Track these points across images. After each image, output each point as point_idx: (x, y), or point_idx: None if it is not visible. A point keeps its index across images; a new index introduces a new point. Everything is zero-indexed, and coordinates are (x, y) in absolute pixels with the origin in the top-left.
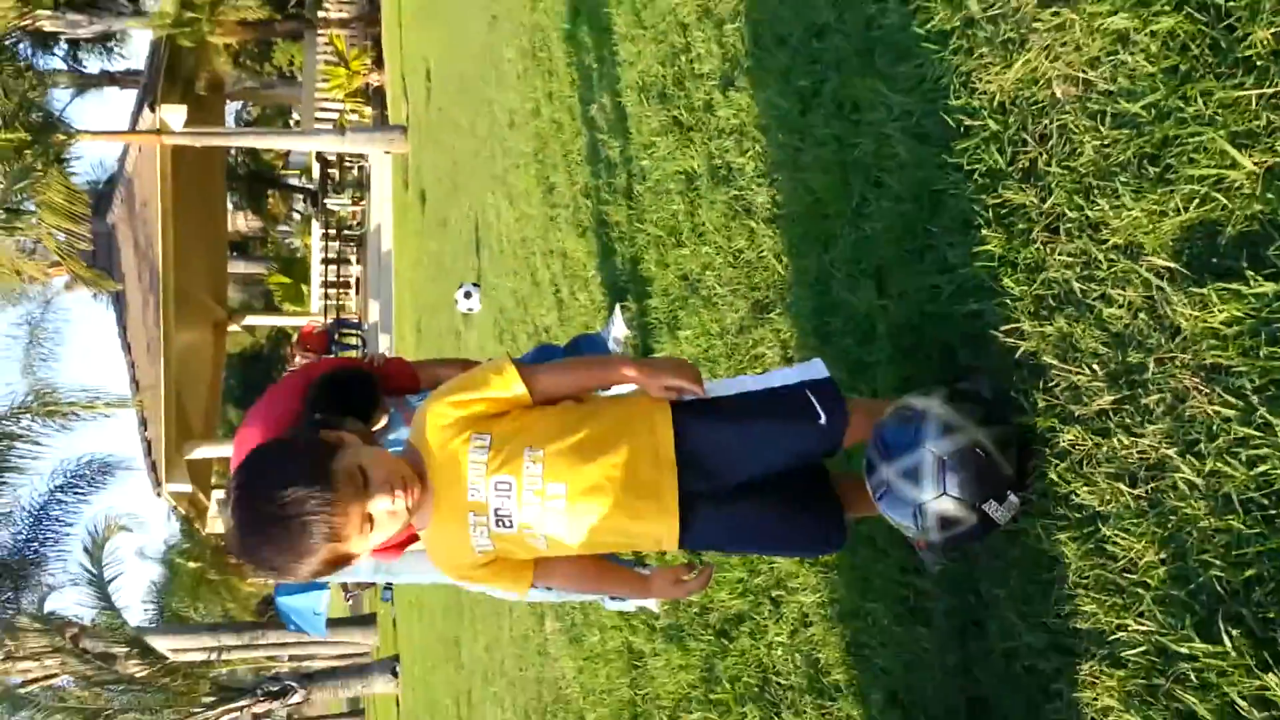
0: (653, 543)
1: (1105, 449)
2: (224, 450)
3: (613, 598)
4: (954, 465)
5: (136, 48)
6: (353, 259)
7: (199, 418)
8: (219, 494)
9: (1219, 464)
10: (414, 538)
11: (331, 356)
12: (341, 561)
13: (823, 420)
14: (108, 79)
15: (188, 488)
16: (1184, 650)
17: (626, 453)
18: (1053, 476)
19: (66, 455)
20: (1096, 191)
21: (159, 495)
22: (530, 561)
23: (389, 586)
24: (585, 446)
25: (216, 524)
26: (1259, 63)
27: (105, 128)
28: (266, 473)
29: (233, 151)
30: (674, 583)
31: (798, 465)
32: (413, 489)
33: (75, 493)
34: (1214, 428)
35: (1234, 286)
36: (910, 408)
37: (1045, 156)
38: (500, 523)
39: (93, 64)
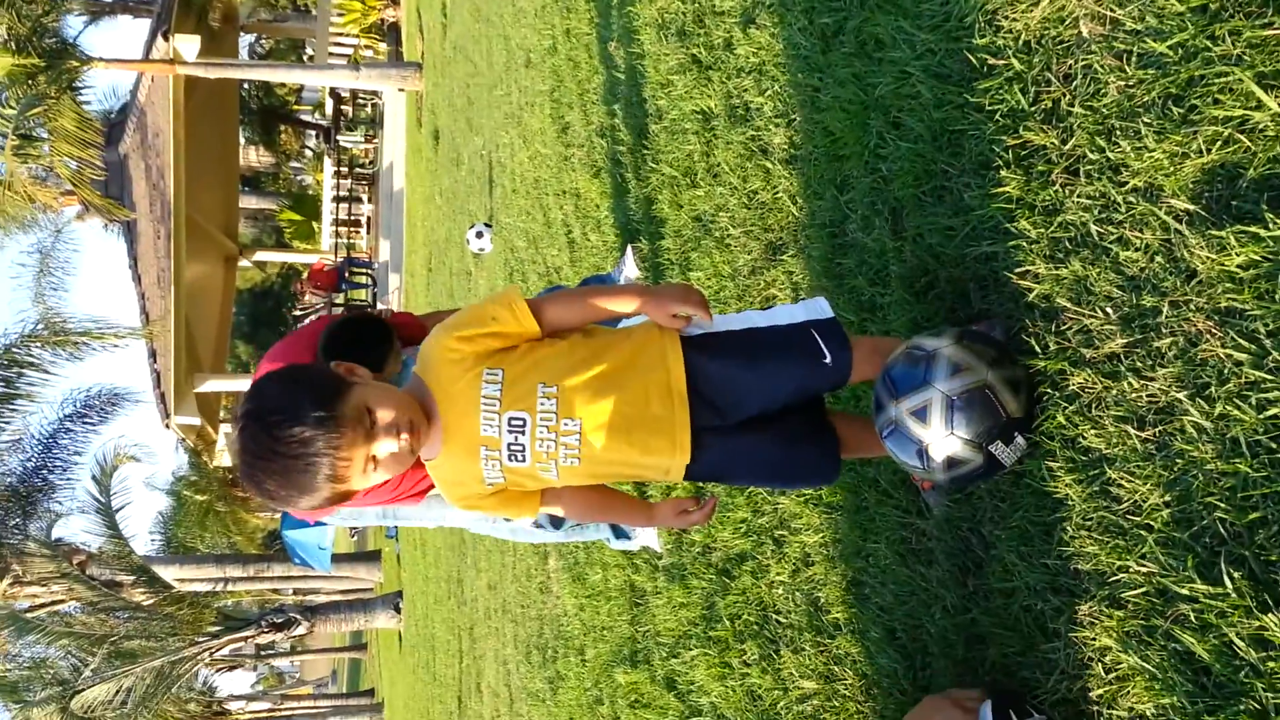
0: (660, 474)
1: (1115, 392)
2: (232, 384)
3: (617, 536)
4: (962, 405)
5: None
6: (364, 197)
7: (208, 351)
8: (227, 427)
9: (1229, 407)
10: (433, 486)
11: (341, 294)
12: (343, 498)
13: (828, 360)
14: (122, 7)
15: (196, 420)
16: (1184, 591)
17: (640, 388)
18: (1061, 419)
19: (76, 385)
20: (1119, 133)
21: (167, 427)
22: (537, 491)
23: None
24: (599, 382)
25: (224, 457)
26: None
27: (119, 56)
28: (276, 405)
29: (245, 85)
30: (679, 513)
31: (800, 400)
32: (419, 431)
33: (84, 422)
34: (1225, 371)
35: (1253, 230)
36: (920, 347)
37: (1068, 97)
38: (513, 457)
39: None
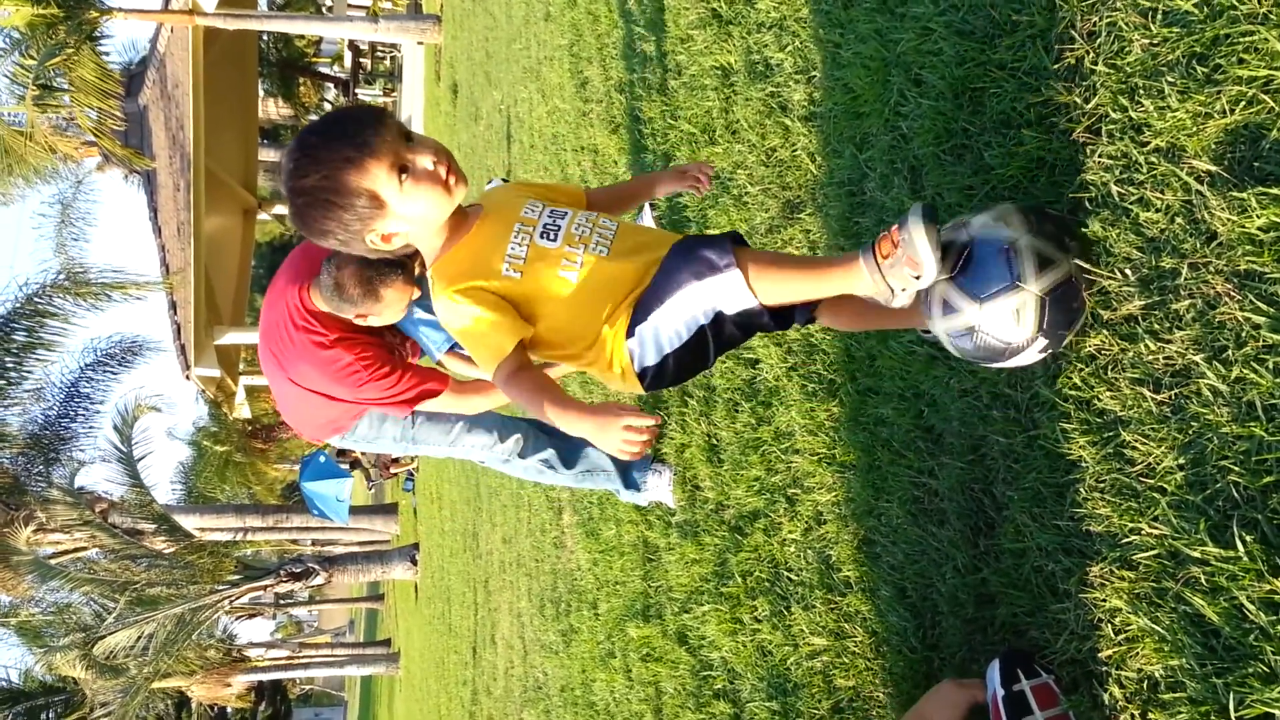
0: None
1: (1131, 354)
2: (252, 336)
3: (627, 486)
4: (1056, 302)
5: None
6: None
7: (228, 303)
8: (246, 379)
9: (1245, 371)
10: (420, 397)
11: None
12: (371, 203)
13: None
14: None
15: (216, 372)
16: (1196, 554)
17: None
18: (1077, 381)
19: (97, 335)
20: (1142, 92)
21: (188, 378)
22: (525, 331)
23: (410, 477)
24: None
25: (244, 408)
26: None
27: (138, 6)
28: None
29: (264, 36)
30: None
31: None
32: (457, 177)
33: (106, 371)
34: (1243, 334)
35: (1274, 191)
36: (995, 239)
37: (1091, 55)
38: (545, 235)
39: None
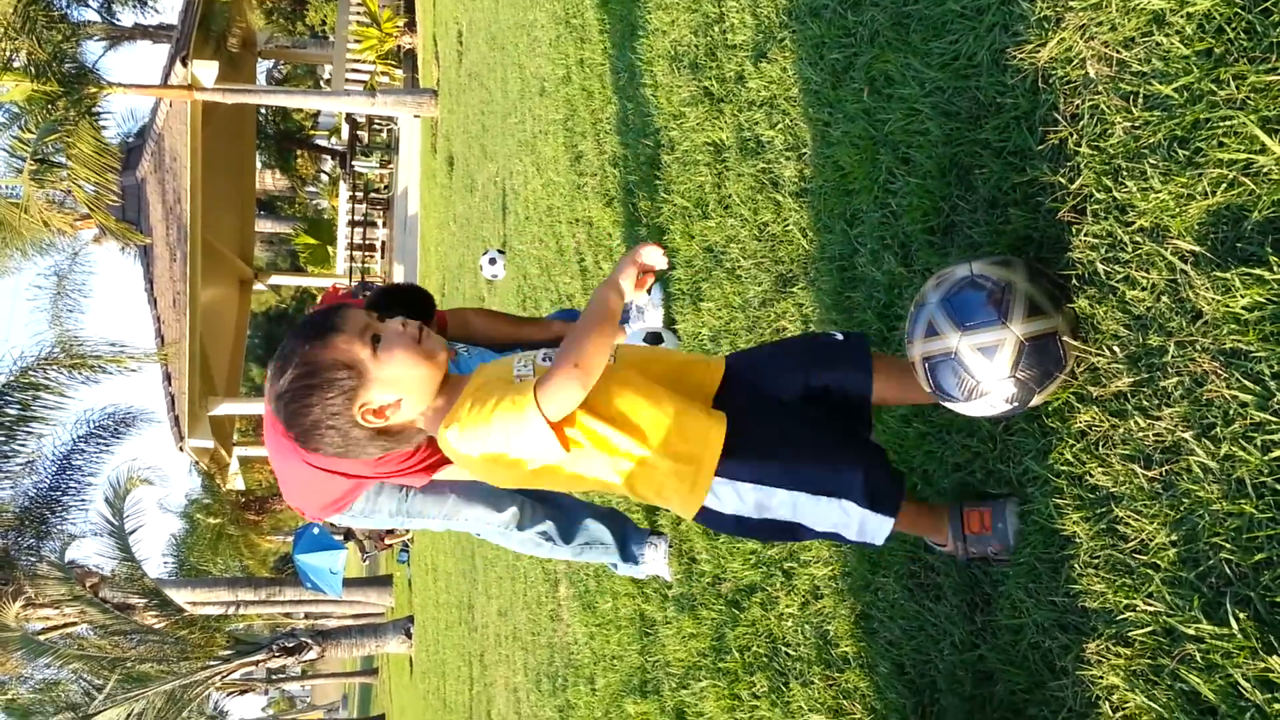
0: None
1: (1122, 430)
2: (246, 407)
3: (625, 559)
4: (1033, 351)
5: (170, 1)
6: (379, 222)
7: (222, 374)
8: (240, 450)
9: (1234, 448)
10: (439, 464)
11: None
12: (349, 374)
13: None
14: (141, 32)
15: (210, 443)
16: (1191, 631)
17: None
18: (1069, 457)
19: (90, 406)
20: (1125, 173)
21: (181, 450)
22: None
23: (405, 549)
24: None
25: (237, 480)
26: None
27: (137, 81)
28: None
29: (262, 110)
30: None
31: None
32: (429, 337)
33: (98, 443)
34: (1231, 412)
35: (1257, 272)
36: (989, 278)
37: (1075, 136)
38: (547, 358)
39: (126, 17)
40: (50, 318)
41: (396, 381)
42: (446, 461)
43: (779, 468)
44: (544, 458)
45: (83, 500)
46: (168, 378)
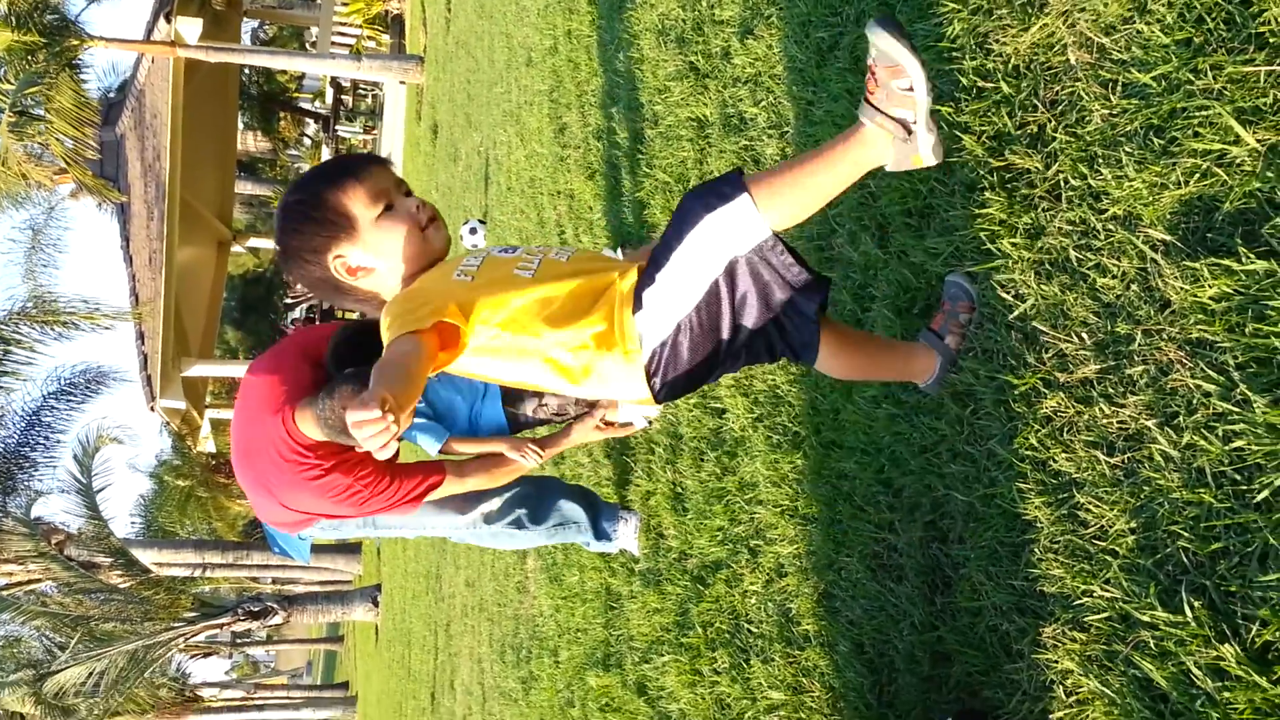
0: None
1: (1086, 417)
2: (220, 369)
3: (598, 537)
4: None
5: None
6: None
7: (197, 335)
8: (212, 413)
9: (1196, 438)
10: (424, 494)
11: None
12: (342, 220)
13: None
14: None
15: (181, 404)
16: (1146, 618)
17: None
18: (1033, 441)
19: (63, 362)
20: (1100, 161)
21: (152, 410)
22: (453, 318)
23: None
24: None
25: (208, 443)
26: (1272, 39)
27: (120, 35)
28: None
29: (246, 70)
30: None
31: None
32: (438, 224)
33: (68, 400)
34: (1194, 401)
35: (1226, 263)
36: None
37: (1054, 123)
38: (503, 252)
39: None
40: (24, 272)
41: (382, 252)
42: (430, 490)
43: (662, 246)
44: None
45: (51, 457)
46: (141, 337)
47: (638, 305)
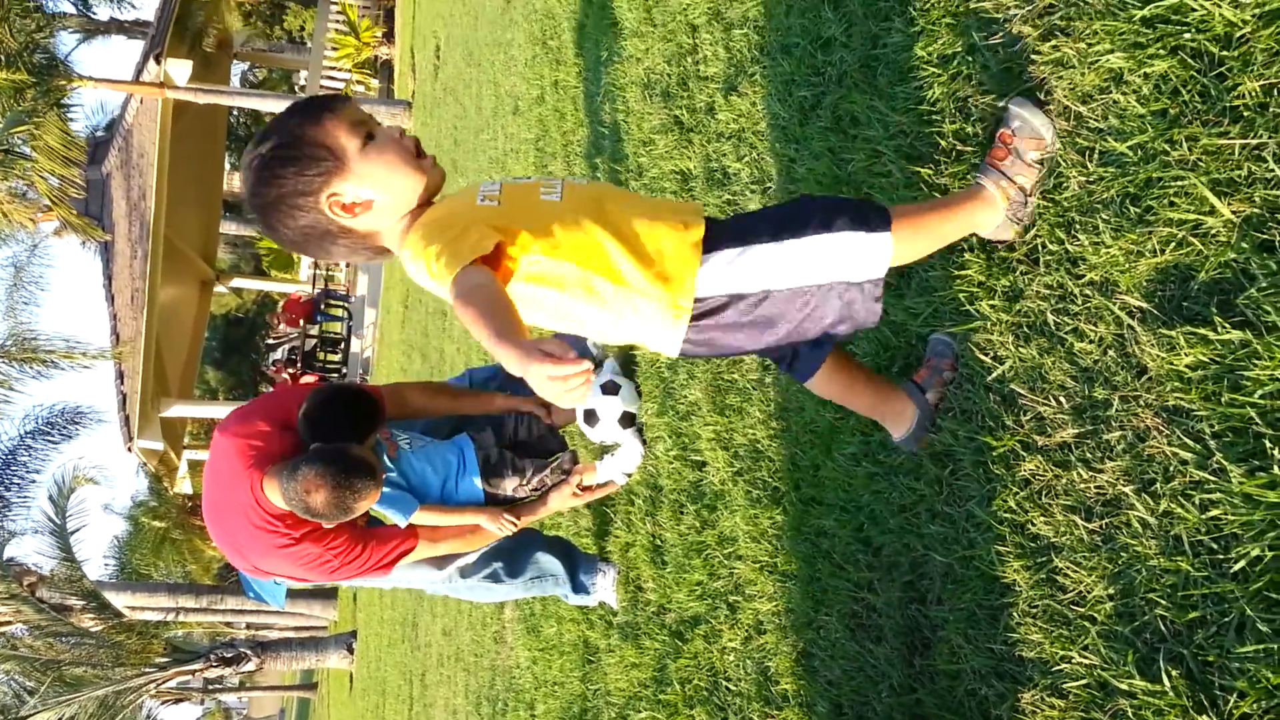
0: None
1: (1064, 481)
2: (199, 410)
3: (575, 591)
4: None
5: None
6: None
7: (177, 375)
8: (190, 454)
9: (1173, 505)
10: (408, 550)
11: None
12: (330, 156)
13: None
14: (116, 26)
15: (159, 445)
16: (1124, 686)
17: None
18: (1012, 504)
19: (40, 401)
20: (1078, 227)
21: (129, 450)
22: (504, 239)
23: None
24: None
25: (185, 484)
26: (1245, 113)
27: (109, 75)
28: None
29: (235, 111)
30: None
31: None
32: (425, 153)
33: (46, 440)
34: (1171, 469)
35: (1202, 331)
36: None
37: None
38: (519, 180)
39: (103, 10)
40: (4, 309)
41: (376, 180)
42: (403, 556)
43: (754, 222)
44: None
45: (25, 497)
46: (120, 376)
47: (705, 257)
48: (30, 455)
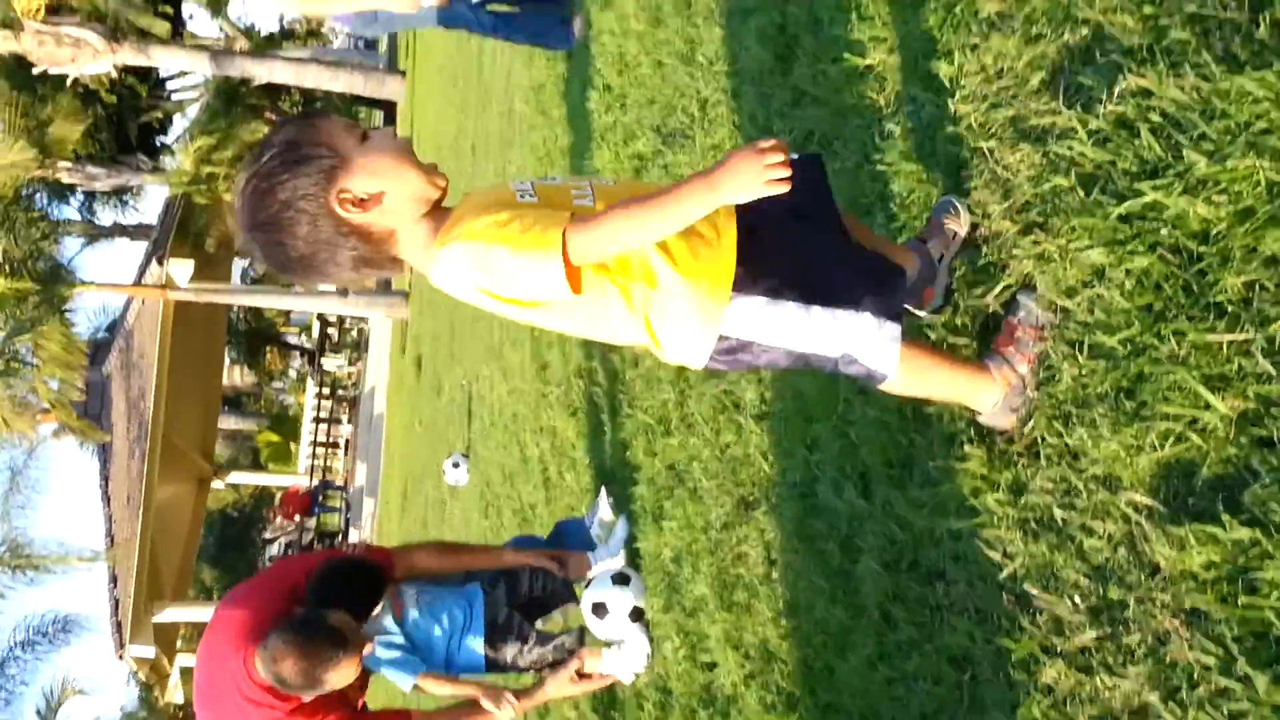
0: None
1: (1089, 688)
2: (193, 613)
3: None
4: None
5: (151, 201)
6: (344, 419)
7: (172, 576)
8: (183, 659)
9: (1201, 714)
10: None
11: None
12: (331, 153)
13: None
14: (119, 230)
15: (151, 651)
16: None
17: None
18: (1037, 713)
19: (30, 610)
20: (1075, 420)
21: (120, 658)
22: (566, 213)
23: None
24: None
25: (176, 692)
26: (1230, 309)
27: (112, 275)
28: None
29: (235, 307)
30: None
31: None
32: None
33: (35, 650)
34: (1195, 675)
35: (1210, 529)
36: None
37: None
38: (547, 180)
39: (106, 216)
40: (1, 513)
41: (383, 172)
42: None
43: (791, 273)
44: (541, 295)
45: (14, 711)
46: (114, 580)
47: (734, 296)
48: (19, 666)
